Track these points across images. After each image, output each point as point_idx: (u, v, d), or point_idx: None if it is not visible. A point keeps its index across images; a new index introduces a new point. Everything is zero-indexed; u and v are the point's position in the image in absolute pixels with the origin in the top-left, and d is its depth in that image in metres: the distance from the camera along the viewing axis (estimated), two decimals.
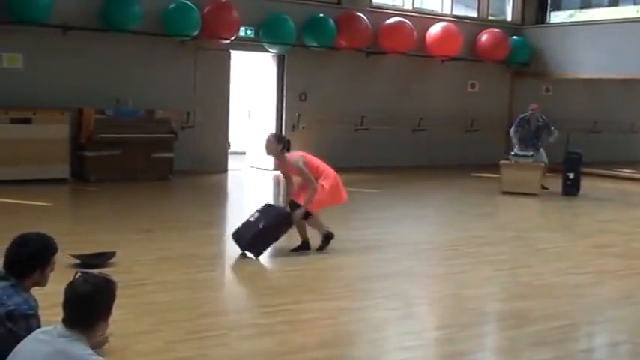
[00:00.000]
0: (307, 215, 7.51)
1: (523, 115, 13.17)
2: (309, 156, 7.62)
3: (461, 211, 10.96)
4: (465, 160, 16.78)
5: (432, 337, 5.28)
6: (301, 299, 5.88)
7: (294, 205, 7.51)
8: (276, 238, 7.33)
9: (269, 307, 5.76)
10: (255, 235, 7.17)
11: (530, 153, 12.73)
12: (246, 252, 7.20)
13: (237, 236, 7.32)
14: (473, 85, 17.51)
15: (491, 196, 12.53)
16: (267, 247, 7.25)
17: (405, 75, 16.30)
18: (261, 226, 7.17)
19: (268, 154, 7.67)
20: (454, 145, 16.91)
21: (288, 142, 7.61)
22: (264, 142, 7.57)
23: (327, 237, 7.69)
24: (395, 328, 5.39)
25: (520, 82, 17.83)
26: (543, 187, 12.92)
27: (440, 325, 5.52)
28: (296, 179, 7.67)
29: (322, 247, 7.63)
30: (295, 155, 7.50)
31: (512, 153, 12.89)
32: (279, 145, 7.47)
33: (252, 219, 7.34)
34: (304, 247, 7.58)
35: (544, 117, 13.07)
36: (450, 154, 16.83)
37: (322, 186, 7.47)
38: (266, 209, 7.48)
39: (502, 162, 12.95)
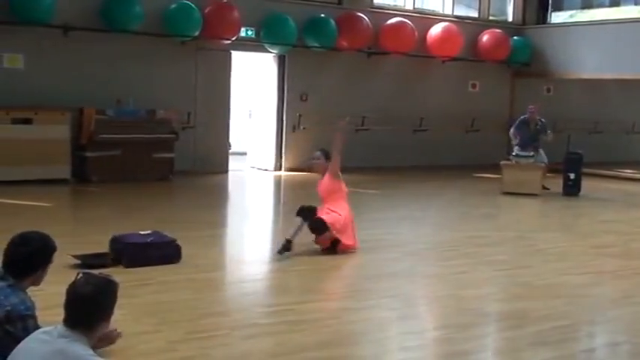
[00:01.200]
0: (335, 243, 7.41)
1: (523, 116, 13.18)
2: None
3: (461, 211, 10.97)
4: (465, 160, 16.78)
5: (433, 337, 5.29)
6: (303, 299, 5.89)
7: (318, 222, 7.38)
8: (152, 260, 6.63)
9: (271, 307, 5.78)
10: (137, 245, 6.69)
11: (531, 153, 12.74)
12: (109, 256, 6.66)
13: (115, 240, 6.82)
14: (474, 86, 17.51)
15: (492, 196, 12.54)
16: (139, 263, 6.54)
17: (405, 75, 16.31)
18: (149, 240, 6.80)
19: (316, 171, 7.78)
20: (455, 146, 16.91)
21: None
22: (314, 160, 7.71)
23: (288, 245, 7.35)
24: (396, 329, 5.40)
25: (521, 83, 17.83)
26: (544, 188, 12.93)
27: (440, 326, 5.54)
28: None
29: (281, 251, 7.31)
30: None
31: (514, 153, 12.90)
32: (327, 161, 7.63)
33: (142, 232, 6.99)
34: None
35: (543, 120, 13.09)
36: (450, 155, 16.83)
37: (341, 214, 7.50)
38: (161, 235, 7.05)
39: (503, 162, 12.96)
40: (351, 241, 7.60)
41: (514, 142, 13.09)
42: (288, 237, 7.33)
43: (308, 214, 7.44)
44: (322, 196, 7.71)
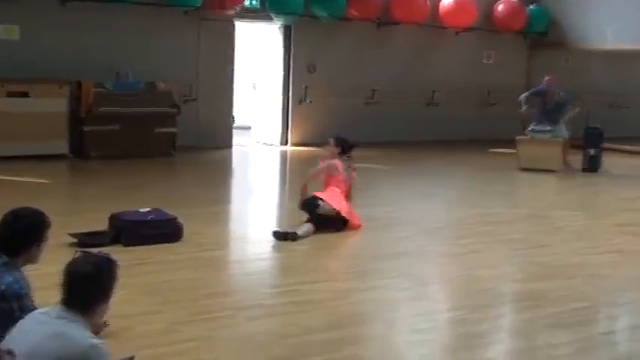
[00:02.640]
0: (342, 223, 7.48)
1: (539, 86, 13.09)
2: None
3: (476, 188, 10.94)
4: (480, 135, 16.70)
5: (445, 318, 5.28)
6: (310, 279, 5.89)
7: (313, 201, 7.47)
8: (152, 239, 6.61)
9: (277, 287, 5.79)
10: (136, 223, 6.68)
11: (548, 128, 12.66)
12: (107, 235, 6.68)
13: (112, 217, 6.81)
14: (488, 57, 17.38)
15: (507, 172, 12.49)
16: (138, 242, 6.54)
17: (417, 46, 16.19)
18: (149, 218, 6.81)
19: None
20: (469, 120, 16.82)
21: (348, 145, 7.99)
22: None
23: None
24: (407, 310, 5.39)
25: (538, 54, 17.68)
26: (566, 164, 12.85)
27: (453, 307, 5.53)
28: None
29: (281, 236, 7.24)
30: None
31: (529, 128, 12.82)
32: (337, 148, 7.88)
33: (142, 210, 6.99)
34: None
35: (564, 92, 12.98)
36: (464, 129, 16.75)
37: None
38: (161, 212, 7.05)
39: (519, 137, 12.89)
40: (358, 221, 7.66)
41: (523, 108, 12.99)
42: (298, 232, 7.14)
43: (311, 208, 7.44)
44: (325, 180, 7.84)
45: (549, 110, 12.81)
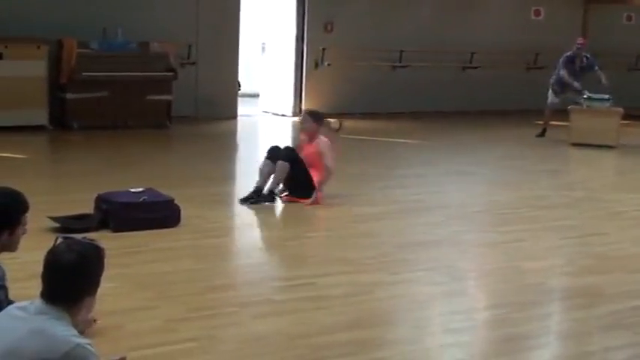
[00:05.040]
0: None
1: (568, 52, 13.10)
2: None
3: (520, 167, 10.91)
4: (526, 104, 16.62)
5: (484, 317, 5.29)
6: (327, 271, 5.91)
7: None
8: (144, 224, 6.68)
9: (288, 280, 5.80)
10: (127, 205, 6.73)
11: (607, 96, 12.62)
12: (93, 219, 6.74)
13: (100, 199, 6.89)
14: (537, 13, 17.27)
15: (557, 148, 12.45)
16: (130, 227, 6.59)
17: (453, 0, 16.11)
18: (141, 199, 6.85)
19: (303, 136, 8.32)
20: (513, 87, 16.75)
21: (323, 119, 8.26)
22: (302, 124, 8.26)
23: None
24: (440, 307, 5.40)
25: (595, 9, 17.55)
26: None
27: (493, 304, 5.53)
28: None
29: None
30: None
31: (585, 96, 12.76)
32: (316, 124, 8.16)
33: (133, 190, 7.05)
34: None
35: (589, 55, 13.02)
36: (508, 97, 16.68)
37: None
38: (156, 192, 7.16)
39: (572, 107, 12.84)
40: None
41: (575, 85, 12.96)
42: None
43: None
44: (307, 160, 8.07)
45: (578, 74, 12.92)
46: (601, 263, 6.44)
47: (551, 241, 7.07)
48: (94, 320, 4.20)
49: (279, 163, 7.90)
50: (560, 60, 13.25)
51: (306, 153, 8.14)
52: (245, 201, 7.83)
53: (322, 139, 8.14)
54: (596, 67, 13.02)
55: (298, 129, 8.26)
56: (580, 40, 13.21)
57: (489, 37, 16.44)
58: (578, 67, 13.04)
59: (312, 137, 8.18)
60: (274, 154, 8.07)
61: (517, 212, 8.11)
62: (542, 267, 6.31)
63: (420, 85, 15.81)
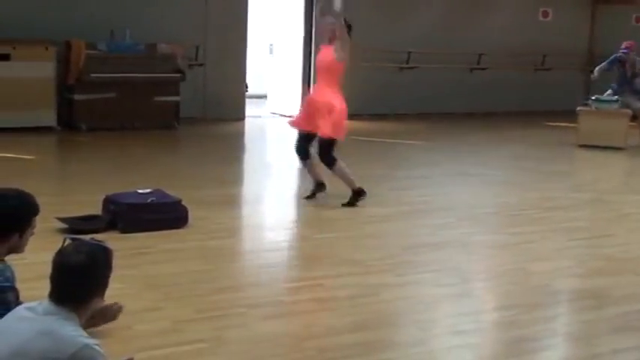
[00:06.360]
0: (329, 158, 7.82)
1: (616, 54, 12.90)
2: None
3: (528, 168, 10.88)
4: (534, 105, 16.62)
5: (492, 319, 5.28)
6: (335, 273, 5.91)
7: (308, 138, 8.00)
8: (152, 225, 6.67)
9: (297, 281, 5.80)
10: (135, 207, 6.73)
11: (615, 98, 12.58)
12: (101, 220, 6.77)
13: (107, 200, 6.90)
14: (545, 14, 17.24)
15: (566, 149, 12.43)
16: (138, 228, 6.60)
17: (462, 1, 16.08)
18: (149, 201, 6.86)
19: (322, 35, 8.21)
20: (521, 88, 16.73)
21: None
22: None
23: (358, 193, 7.93)
24: (447, 309, 5.40)
25: (604, 10, 17.51)
26: None
27: (501, 306, 5.52)
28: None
29: (351, 204, 7.91)
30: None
31: (594, 97, 12.72)
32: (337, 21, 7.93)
33: (141, 191, 7.05)
34: (319, 189, 8.08)
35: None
36: (516, 99, 16.67)
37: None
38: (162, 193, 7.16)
39: (580, 108, 12.81)
40: (344, 132, 7.97)
41: (595, 75, 12.86)
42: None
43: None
44: (319, 66, 8.11)
45: (628, 81, 12.70)
46: (610, 265, 6.42)
47: (559, 242, 7.06)
48: (120, 308, 4.21)
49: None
50: (610, 58, 12.97)
51: (321, 58, 8.08)
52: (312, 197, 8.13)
53: (336, 47, 7.94)
54: None
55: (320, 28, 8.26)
56: (626, 43, 12.75)
57: (497, 38, 16.42)
58: (630, 74, 12.73)
59: (331, 39, 7.98)
60: (303, 153, 8.16)
61: (525, 214, 8.09)
62: (551, 268, 6.30)
63: (428, 86, 15.80)
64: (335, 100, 7.83)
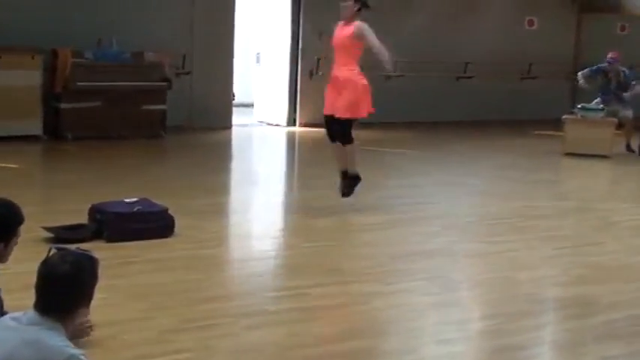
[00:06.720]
0: (348, 138, 7.89)
1: (600, 65, 12.98)
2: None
3: (514, 177, 10.91)
4: (520, 114, 16.66)
5: (478, 328, 5.29)
6: (322, 282, 5.91)
7: (333, 124, 7.95)
8: (139, 234, 6.65)
9: (284, 290, 5.80)
10: (121, 216, 6.71)
11: (601, 106, 12.64)
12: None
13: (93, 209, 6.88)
14: (531, 23, 17.31)
15: (551, 158, 12.46)
16: (124, 237, 6.60)
17: (447, 9, 16.13)
18: (135, 210, 6.83)
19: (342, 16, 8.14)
20: (507, 96, 16.77)
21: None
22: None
23: (356, 178, 8.04)
24: (433, 317, 5.40)
25: (589, 19, 17.59)
26: (629, 149, 12.82)
27: (487, 315, 5.53)
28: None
29: (347, 191, 8.04)
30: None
31: (579, 106, 12.77)
32: (356, 4, 8.03)
33: (127, 200, 7.02)
34: (354, 181, 8.10)
35: (626, 70, 12.92)
36: (502, 107, 16.70)
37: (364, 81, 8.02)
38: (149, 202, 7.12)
39: (566, 117, 12.85)
40: (367, 109, 8.01)
41: (580, 82, 12.94)
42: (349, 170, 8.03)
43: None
44: (336, 45, 8.10)
45: (612, 91, 12.77)
46: (595, 273, 6.44)
47: (545, 251, 7.07)
48: (89, 327, 4.17)
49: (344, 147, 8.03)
50: (593, 67, 13.06)
51: (338, 36, 8.11)
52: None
53: (359, 23, 8.03)
54: (634, 82, 12.78)
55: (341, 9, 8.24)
56: (611, 54, 12.81)
57: (483, 47, 16.46)
58: (615, 84, 12.81)
59: (349, 20, 8.09)
60: (330, 135, 8.12)
61: (511, 222, 8.11)
62: (536, 277, 6.31)
63: (414, 95, 15.82)
64: (355, 76, 7.97)
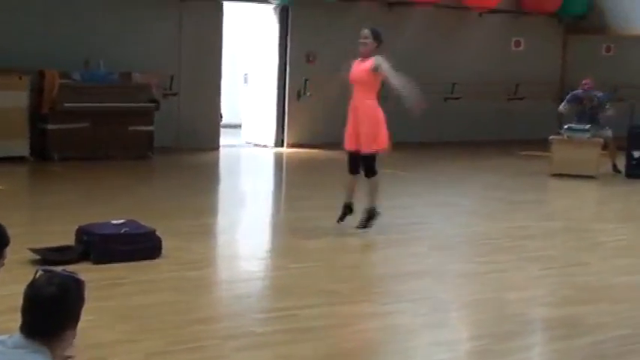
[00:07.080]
0: (373, 171, 8.01)
1: (575, 91, 13.12)
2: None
3: (502, 197, 10.94)
4: (507, 134, 16.72)
5: (467, 348, 5.29)
6: (310, 303, 5.90)
7: (356, 159, 8.05)
8: (126, 256, 6.64)
9: (271, 312, 5.79)
10: (108, 237, 6.70)
11: (587, 127, 12.70)
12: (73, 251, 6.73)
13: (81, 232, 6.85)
14: (517, 44, 17.42)
15: (538, 179, 12.51)
16: (111, 258, 6.59)
17: (435, 31, 16.21)
18: (122, 231, 6.82)
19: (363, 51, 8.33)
20: (494, 117, 16.84)
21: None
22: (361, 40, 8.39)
23: (374, 212, 8.07)
24: (423, 338, 5.40)
25: (575, 40, 17.71)
26: (616, 170, 12.89)
27: (476, 335, 5.54)
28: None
29: (364, 225, 8.03)
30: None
31: (566, 126, 12.84)
32: (375, 41, 8.35)
33: (114, 222, 7.02)
34: (372, 213, 8.09)
35: (599, 95, 13.02)
36: (489, 128, 16.77)
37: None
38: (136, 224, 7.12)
39: (553, 137, 12.90)
40: (385, 141, 8.30)
41: (562, 109, 13.07)
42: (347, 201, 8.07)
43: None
44: (354, 80, 8.26)
45: (588, 116, 12.86)
46: (582, 293, 6.45)
47: (532, 271, 7.09)
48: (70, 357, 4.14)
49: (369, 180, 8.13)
50: (568, 95, 13.25)
51: (356, 71, 8.26)
52: (342, 219, 8.14)
53: (377, 56, 8.31)
54: (607, 106, 12.90)
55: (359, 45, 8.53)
56: (586, 82, 12.97)
57: (470, 68, 16.54)
58: (589, 109, 12.90)
59: (366, 56, 8.29)
60: (352, 169, 8.21)
61: (499, 243, 8.13)
62: (524, 297, 6.32)
63: (401, 115, 15.80)
64: (372, 109, 8.27)
